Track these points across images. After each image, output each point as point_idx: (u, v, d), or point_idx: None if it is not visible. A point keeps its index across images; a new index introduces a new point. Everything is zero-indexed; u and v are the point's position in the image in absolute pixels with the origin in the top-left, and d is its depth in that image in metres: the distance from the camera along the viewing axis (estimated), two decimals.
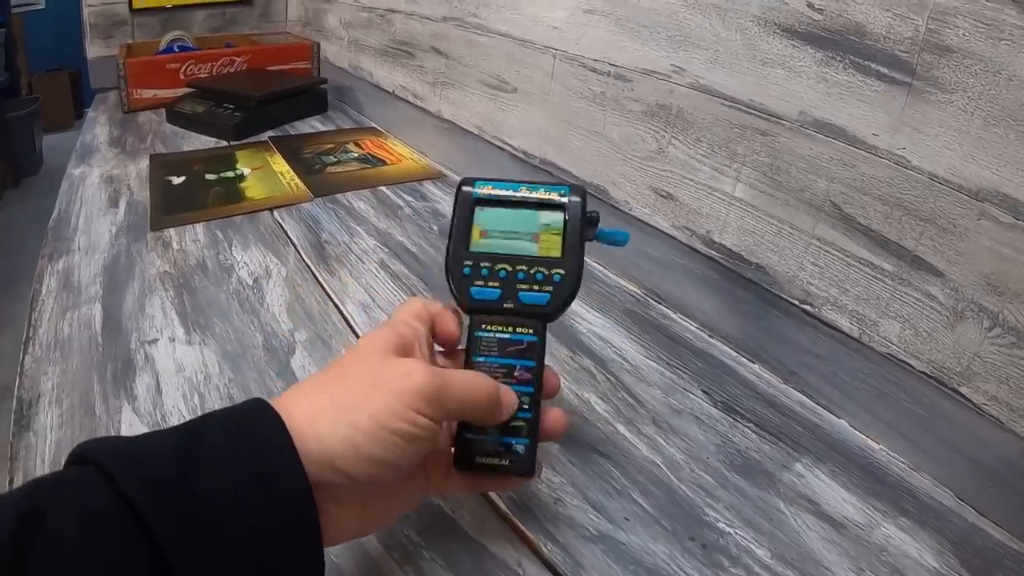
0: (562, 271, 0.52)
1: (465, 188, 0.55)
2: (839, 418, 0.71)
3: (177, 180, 1.22)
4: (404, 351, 0.46)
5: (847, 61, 0.66)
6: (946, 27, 0.59)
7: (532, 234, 0.54)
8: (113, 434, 0.62)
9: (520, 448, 0.49)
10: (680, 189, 0.86)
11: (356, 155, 1.41)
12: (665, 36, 0.84)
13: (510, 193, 0.55)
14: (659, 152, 0.88)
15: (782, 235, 0.75)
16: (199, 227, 1.05)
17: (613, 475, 0.62)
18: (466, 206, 0.55)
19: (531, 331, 0.51)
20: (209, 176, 1.25)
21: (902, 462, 0.66)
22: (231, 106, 1.52)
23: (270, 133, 1.53)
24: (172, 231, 1.03)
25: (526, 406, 0.49)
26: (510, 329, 0.51)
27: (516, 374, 0.50)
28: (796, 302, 0.75)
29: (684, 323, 0.86)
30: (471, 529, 0.55)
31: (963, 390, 0.62)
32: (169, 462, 0.34)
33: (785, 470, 0.64)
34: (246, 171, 1.28)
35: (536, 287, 0.52)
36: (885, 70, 0.64)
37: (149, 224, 1.05)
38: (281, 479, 0.36)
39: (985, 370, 0.60)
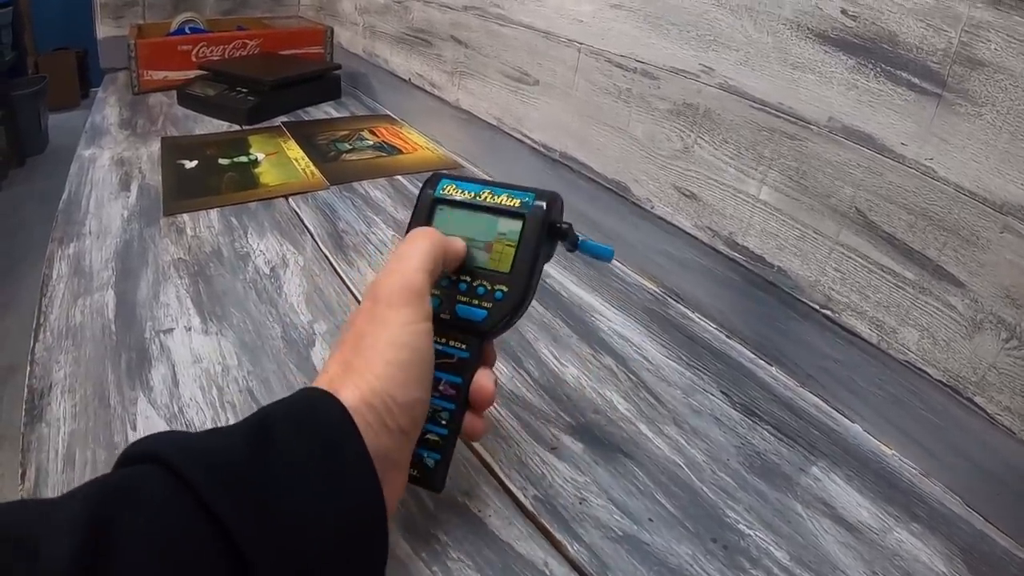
0: (505, 288, 0.50)
1: (427, 188, 0.54)
2: (854, 423, 0.72)
3: (190, 164, 1.21)
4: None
5: (878, 69, 0.66)
6: (978, 40, 0.59)
7: (486, 243, 0.51)
8: (130, 426, 0.62)
9: (430, 462, 0.48)
10: (704, 189, 0.87)
11: (371, 143, 1.40)
12: (695, 35, 0.84)
13: (471, 196, 0.53)
14: (684, 151, 0.88)
15: (806, 239, 0.75)
16: (213, 213, 1.05)
17: (637, 475, 0.62)
18: (425, 205, 0.53)
19: (464, 346, 0.50)
20: (222, 161, 1.24)
21: (914, 468, 0.67)
22: (244, 90, 1.51)
23: (283, 118, 1.53)
24: (186, 217, 1.02)
25: (444, 421, 0.48)
26: (443, 340, 0.50)
27: (440, 388, 0.49)
28: (816, 306, 0.75)
29: (703, 323, 0.87)
30: (498, 529, 0.56)
31: (977, 400, 0.63)
32: (239, 457, 0.34)
33: (802, 473, 0.64)
34: (260, 156, 1.28)
35: (476, 301, 0.50)
36: (916, 80, 0.64)
37: (162, 209, 1.04)
38: (351, 468, 0.37)
39: (1000, 381, 0.61)
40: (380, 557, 0.38)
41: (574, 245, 0.55)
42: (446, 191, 0.53)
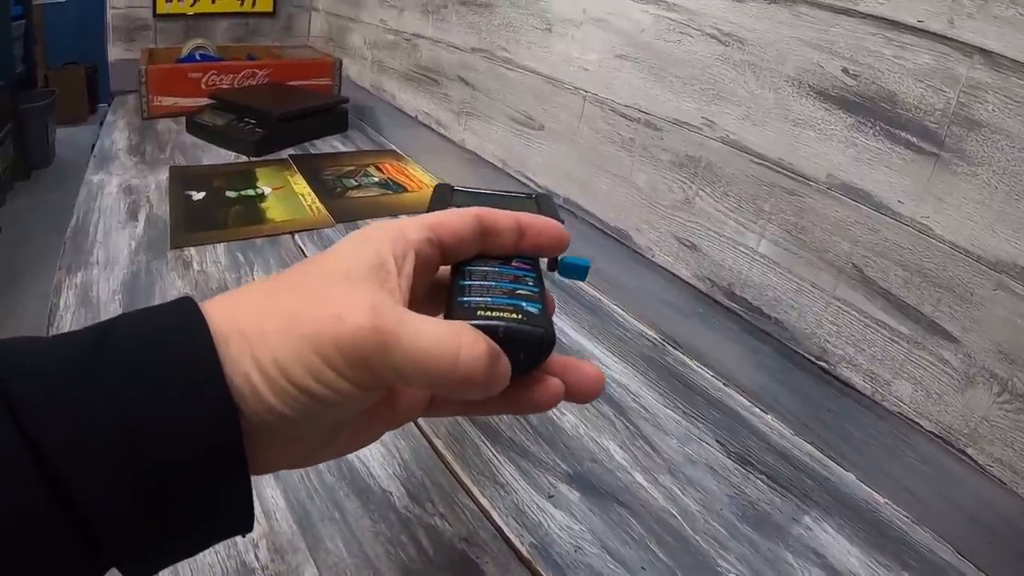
0: None
1: (442, 185, 0.54)
2: (848, 471, 0.73)
3: (197, 196, 1.22)
4: (379, 277, 0.34)
5: (878, 128, 0.68)
6: (976, 101, 0.61)
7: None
8: None
9: (533, 309, 0.38)
10: (704, 240, 0.88)
11: (377, 179, 1.42)
12: (698, 88, 0.86)
13: (482, 188, 0.54)
14: (685, 202, 0.90)
15: (803, 293, 0.77)
16: (220, 248, 1.05)
17: (631, 524, 0.63)
18: (444, 193, 0.53)
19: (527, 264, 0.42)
20: (230, 193, 1.25)
21: (905, 516, 0.67)
22: (252, 121, 1.52)
23: (290, 150, 1.54)
24: (192, 250, 1.03)
25: (530, 282, 0.40)
26: (501, 263, 0.41)
27: (513, 263, 0.41)
28: (812, 358, 0.77)
29: (700, 371, 0.87)
30: (495, 575, 0.56)
31: (969, 451, 0.64)
32: (68, 362, 0.29)
33: (794, 523, 0.65)
34: (267, 190, 1.29)
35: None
36: (914, 139, 0.65)
37: (169, 242, 1.05)
38: (201, 386, 0.29)
39: (992, 433, 0.62)
40: (241, 492, 0.31)
41: (554, 263, 0.48)
42: (460, 186, 0.54)
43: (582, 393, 0.39)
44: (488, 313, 0.35)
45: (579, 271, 0.48)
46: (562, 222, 0.44)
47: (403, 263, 0.35)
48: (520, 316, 0.36)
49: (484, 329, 0.34)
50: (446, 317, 0.36)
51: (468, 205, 0.45)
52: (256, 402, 0.30)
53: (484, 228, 0.39)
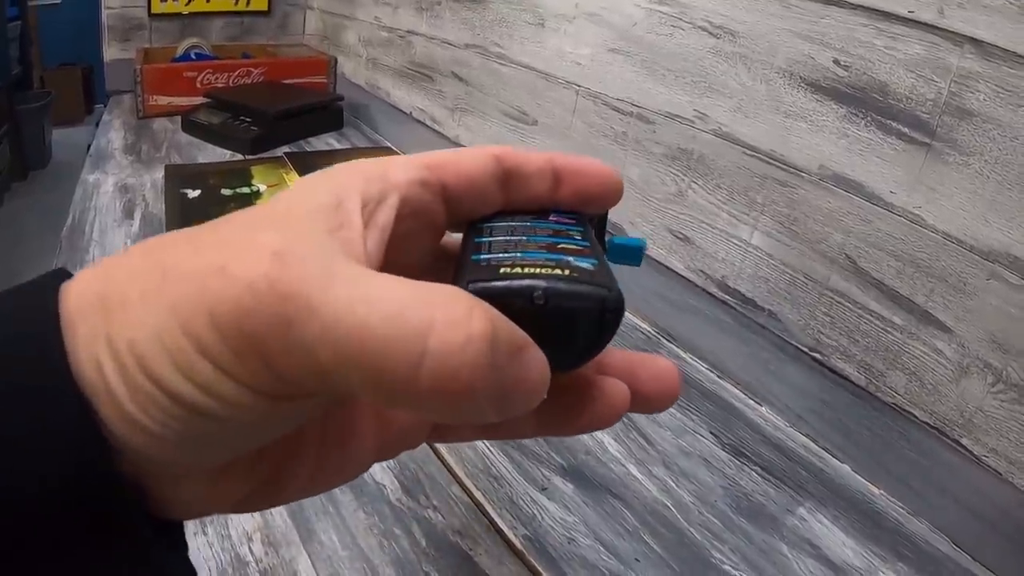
0: None
1: None
2: (842, 463, 0.73)
3: (193, 194, 1.22)
4: (328, 221, 0.21)
5: (869, 118, 0.68)
6: (968, 91, 0.61)
7: None
8: None
9: (585, 264, 0.23)
10: (697, 233, 0.88)
11: None
12: (690, 81, 0.86)
13: None
14: (678, 195, 0.90)
15: (796, 284, 0.77)
16: None
17: (625, 516, 0.63)
18: None
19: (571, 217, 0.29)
20: (225, 191, 1.25)
21: (901, 507, 0.68)
22: (247, 119, 1.52)
23: (286, 148, 1.54)
24: None
25: (578, 237, 0.26)
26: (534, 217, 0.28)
27: (551, 217, 0.28)
28: (806, 349, 0.77)
29: (695, 363, 0.88)
30: (488, 568, 0.56)
31: (964, 441, 0.64)
32: None
33: (789, 514, 0.65)
34: (262, 188, 1.29)
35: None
36: (906, 130, 0.65)
37: None
38: (35, 390, 0.18)
39: (986, 423, 0.62)
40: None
41: (601, 243, 0.33)
42: None
43: (655, 399, 0.26)
44: (517, 270, 0.22)
45: (632, 253, 0.33)
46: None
47: (377, 209, 0.23)
48: (567, 272, 0.22)
49: (511, 294, 0.21)
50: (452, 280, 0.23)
51: None
52: (113, 411, 0.19)
53: (506, 172, 0.27)
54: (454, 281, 0.22)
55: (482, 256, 0.23)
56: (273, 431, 0.22)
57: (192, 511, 0.23)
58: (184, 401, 0.18)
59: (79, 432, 0.18)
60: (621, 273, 0.23)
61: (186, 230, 0.21)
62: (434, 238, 0.27)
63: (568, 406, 0.25)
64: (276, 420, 0.21)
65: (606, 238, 0.33)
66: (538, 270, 0.22)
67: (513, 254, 0.23)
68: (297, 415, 0.22)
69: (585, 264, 0.23)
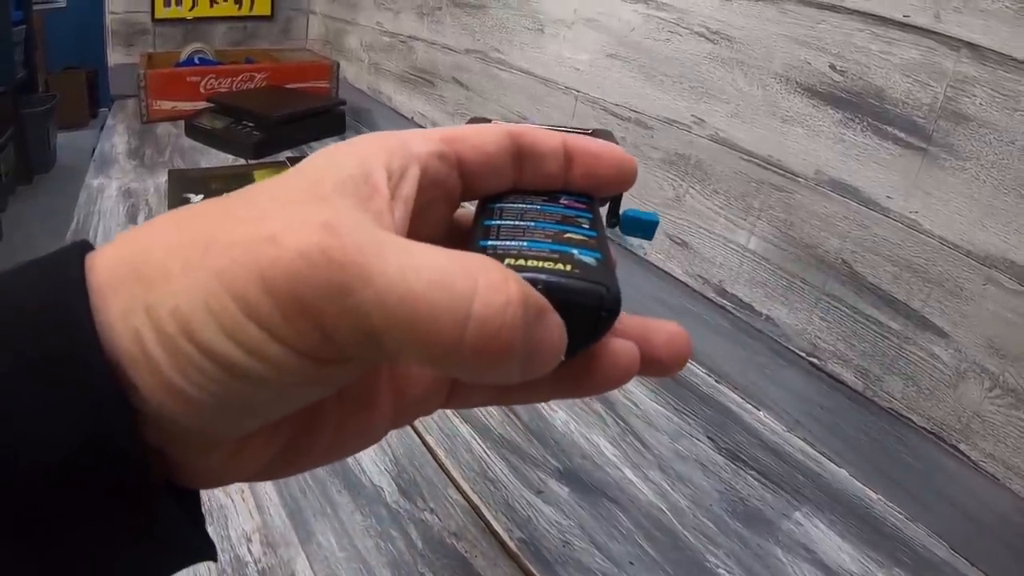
0: None
1: (477, 118, 0.38)
2: (840, 468, 0.73)
3: (195, 198, 1.23)
4: (358, 193, 0.22)
5: (865, 123, 0.68)
6: (964, 95, 0.61)
7: None
8: None
9: (589, 259, 0.25)
10: (695, 238, 0.88)
11: None
12: (687, 86, 0.86)
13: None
14: (676, 200, 0.90)
15: (793, 289, 0.77)
16: None
17: (620, 519, 0.63)
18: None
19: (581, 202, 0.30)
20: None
21: (898, 512, 0.68)
22: (250, 124, 1.53)
23: (288, 153, 1.54)
24: None
25: (586, 226, 0.28)
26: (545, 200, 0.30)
27: (562, 201, 0.29)
28: (803, 354, 0.77)
29: (692, 367, 0.88)
30: (483, 570, 0.57)
31: (962, 447, 0.64)
32: None
33: (785, 518, 0.65)
34: None
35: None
36: (902, 134, 0.66)
37: None
38: (60, 362, 0.19)
39: (984, 428, 0.62)
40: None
41: (616, 215, 0.35)
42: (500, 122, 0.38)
43: (667, 360, 0.27)
44: (521, 262, 0.24)
45: (646, 227, 0.34)
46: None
47: (401, 181, 0.24)
48: (569, 267, 0.24)
49: None
50: None
51: None
52: (151, 378, 0.19)
53: (520, 150, 0.28)
54: None
55: (488, 242, 0.25)
56: (309, 396, 0.22)
57: (212, 480, 0.23)
58: (228, 363, 0.19)
59: (106, 401, 0.19)
60: (617, 275, 0.24)
61: (214, 201, 0.22)
62: (449, 210, 0.28)
63: (580, 367, 0.25)
64: (315, 383, 0.21)
65: (620, 211, 0.34)
66: (541, 263, 0.23)
67: (520, 243, 0.25)
68: (336, 379, 0.22)
69: (588, 259, 0.24)
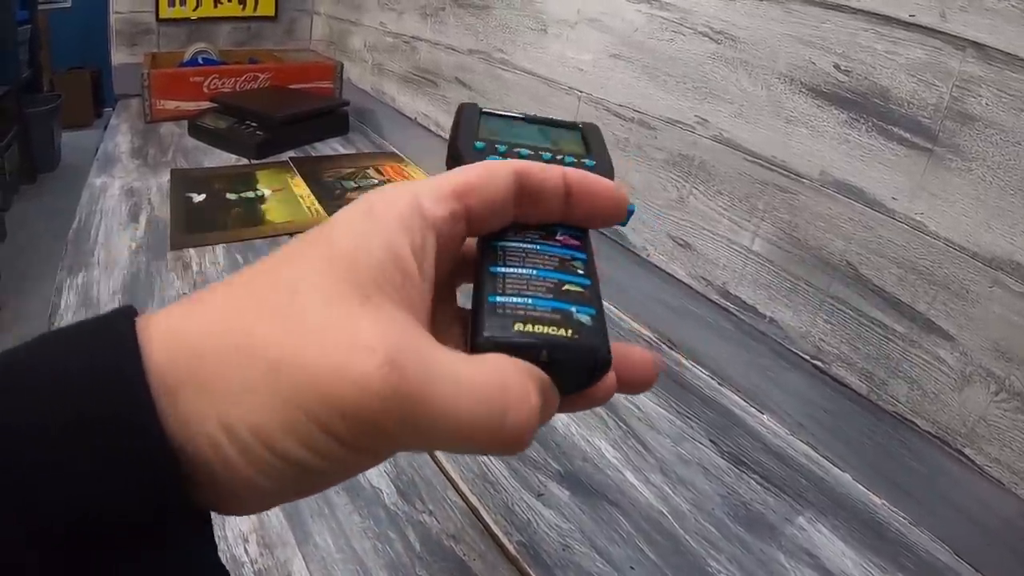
0: (593, 162, 0.38)
1: (467, 106, 0.43)
2: (843, 472, 0.72)
3: (198, 198, 1.23)
4: (394, 284, 0.25)
5: (870, 124, 0.68)
6: (970, 95, 0.60)
7: (549, 141, 0.41)
8: None
9: (584, 317, 0.29)
10: (699, 239, 0.88)
11: (376, 182, 1.42)
12: (691, 87, 0.85)
13: (515, 113, 0.43)
14: (680, 201, 0.90)
15: (797, 291, 0.76)
16: (219, 249, 1.05)
17: (620, 523, 0.62)
18: (473, 114, 0.42)
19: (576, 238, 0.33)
20: (230, 195, 1.26)
21: (902, 517, 0.67)
22: (253, 124, 1.53)
23: (291, 153, 1.54)
24: (192, 251, 1.03)
25: (580, 271, 0.31)
26: (542, 237, 0.33)
27: (559, 237, 0.32)
28: (807, 357, 0.76)
29: (695, 370, 0.87)
30: (482, 573, 0.56)
31: (967, 451, 0.64)
32: None
33: (787, 523, 0.65)
34: (267, 192, 1.29)
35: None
36: (907, 135, 0.65)
37: (169, 243, 1.05)
38: (135, 454, 0.21)
39: (989, 433, 0.62)
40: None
41: None
42: (489, 108, 0.43)
43: (637, 383, 0.32)
44: (528, 328, 0.27)
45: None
46: (612, 169, 0.37)
47: (423, 256, 0.26)
48: (570, 332, 0.28)
49: (523, 348, 0.27)
50: (473, 319, 0.28)
51: (499, 135, 0.39)
52: (224, 470, 0.23)
53: (523, 189, 0.30)
54: (474, 329, 0.28)
55: (498, 299, 0.28)
56: (354, 473, 0.26)
57: (232, 511, 0.26)
58: (299, 463, 0.23)
59: (164, 464, 0.22)
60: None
61: (249, 285, 0.25)
62: (455, 253, 0.30)
63: (569, 398, 0.29)
64: (365, 468, 0.26)
65: None
66: (546, 329, 0.28)
67: (525, 299, 0.28)
68: (383, 460, 0.27)
69: (584, 317, 0.29)
